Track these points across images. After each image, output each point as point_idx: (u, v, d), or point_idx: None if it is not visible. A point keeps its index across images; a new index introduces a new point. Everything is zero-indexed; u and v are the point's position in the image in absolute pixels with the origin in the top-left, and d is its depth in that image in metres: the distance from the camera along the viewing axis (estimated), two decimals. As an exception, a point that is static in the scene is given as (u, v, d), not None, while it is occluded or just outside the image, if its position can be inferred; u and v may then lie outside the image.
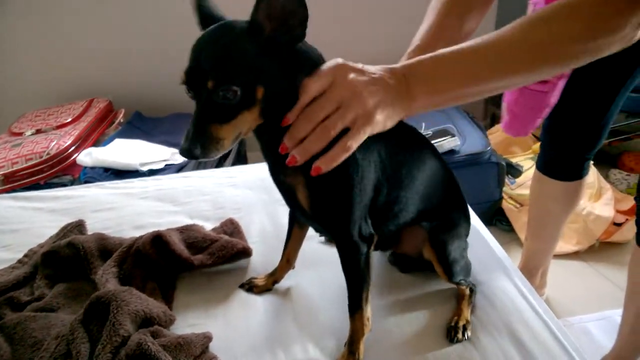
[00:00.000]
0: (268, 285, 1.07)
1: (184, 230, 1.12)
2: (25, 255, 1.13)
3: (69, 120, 2.46)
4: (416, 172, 0.90)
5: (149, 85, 2.79)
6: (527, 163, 2.43)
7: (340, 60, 0.74)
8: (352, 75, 0.72)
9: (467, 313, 0.97)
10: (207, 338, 0.88)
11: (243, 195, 1.38)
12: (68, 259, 1.07)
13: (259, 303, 1.03)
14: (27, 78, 2.78)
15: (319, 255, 1.14)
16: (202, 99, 0.68)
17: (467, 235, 1.04)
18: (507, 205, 2.37)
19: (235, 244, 1.09)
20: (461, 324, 0.94)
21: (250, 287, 1.07)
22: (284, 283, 1.07)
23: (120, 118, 2.63)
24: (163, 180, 1.48)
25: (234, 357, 0.90)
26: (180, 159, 2.23)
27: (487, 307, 1.01)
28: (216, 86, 0.66)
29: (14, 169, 2.16)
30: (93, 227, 1.24)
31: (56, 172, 2.24)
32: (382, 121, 0.74)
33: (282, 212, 1.30)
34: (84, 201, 1.38)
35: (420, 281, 1.07)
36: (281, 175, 0.83)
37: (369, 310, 0.88)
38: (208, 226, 1.23)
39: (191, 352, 0.81)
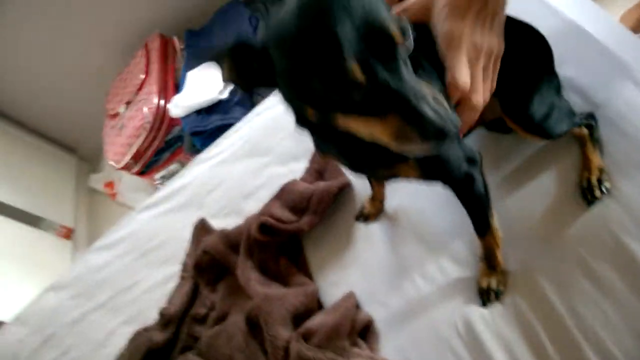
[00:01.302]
0: (379, 208, 1.05)
1: (281, 195, 1.14)
2: (184, 271, 1.29)
3: (143, 76, 2.50)
4: None
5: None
6: None
7: None
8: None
9: (596, 160, 0.83)
10: (353, 305, 0.93)
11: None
12: (211, 263, 1.19)
13: (379, 234, 1.04)
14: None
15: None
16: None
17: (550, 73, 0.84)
18: None
19: (329, 189, 1.07)
20: (594, 178, 0.81)
21: (365, 217, 1.07)
22: (390, 202, 1.04)
23: (178, 46, 2.57)
24: (241, 132, 1.46)
25: (380, 300, 0.96)
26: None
27: (616, 137, 0.84)
28: None
29: (134, 149, 2.35)
30: (213, 212, 1.34)
31: (165, 131, 2.38)
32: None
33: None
34: (196, 185, 1.47)
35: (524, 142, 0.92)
36: (381, 170, 0.73)
37: (495, 221, 0.82)
38: (302, 164, 1.22)
39: (342, 332, 0.88)
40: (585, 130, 0.84)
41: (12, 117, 2.96)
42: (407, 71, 0.51)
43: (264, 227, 1.07)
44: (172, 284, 1.31)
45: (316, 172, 1.16)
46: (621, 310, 0.72)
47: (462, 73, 0.60)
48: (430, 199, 0.99)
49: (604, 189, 0.80)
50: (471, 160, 0.73)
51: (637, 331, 0.70)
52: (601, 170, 0.82)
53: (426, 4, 0.66)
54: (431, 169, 0.71)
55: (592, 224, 0.80)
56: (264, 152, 1.34)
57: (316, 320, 0.92)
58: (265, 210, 1.11)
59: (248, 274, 1.08)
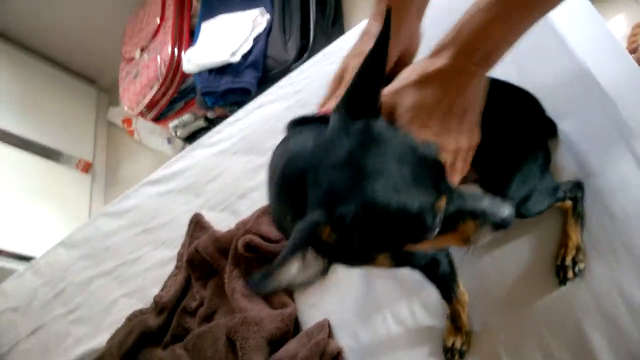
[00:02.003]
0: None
1: (269, 208, 1.16)
2: (179, 260, 1.36)
3: (158, 21, 2.44)
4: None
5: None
6: None
7: None
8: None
9: (575, 237, 0.82)
10: (325, 329, 0.99)
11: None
12: (202, 261, 1.25)
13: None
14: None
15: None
16: None
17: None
18: None
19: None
20: (569, 257, 0.81)
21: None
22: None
23: (195, -7, 2.47)
24: (241, 123, 1.46)
25: (352, 331, 1.02)
26: (264, 23, 2.08)
27: (601, 215, 0.83)
28: None
29: (148, 99, 2.36)
30: (210, 205, 1.39)
31: (179, 81, 2.37)
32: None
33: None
34: (196, 172, 1.50)
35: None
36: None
37: (461, 287, 0.84)
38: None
39: (316, 353, 0.94)
40: (568, 203, 0.82)
41: (31, 48, 2.96)
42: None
43: (249, 246, 1.11)
44: (169, 268, 1.39)
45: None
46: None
47: None
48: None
49: (577, 271, 0.81)
50: (433, 259, 0.75)
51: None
52: (578, 249, 0.82)
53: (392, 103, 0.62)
54: (402, 259, 0.72)
55: (559, 304, 0.82)
56: (262, 152, 1.34)
57: (289, 350, 0.98)
58: (254, 226, 1.14)
59: (233, 285, 1.14)
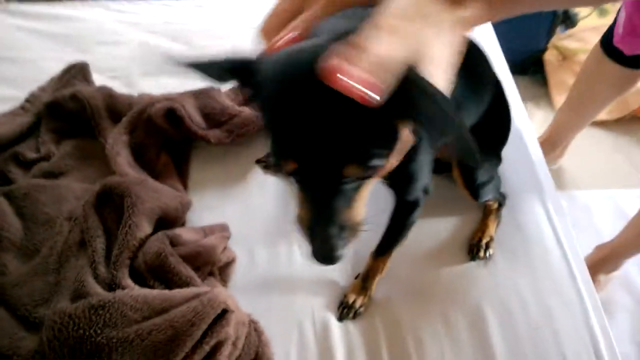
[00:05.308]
0: (286, 170, 1.01)
1: (199, 95, 1.01)
2: (27, 101, 1.03)
3: None
4: (474, 107, 0.78)
5: None
6: (584, 10, 2.13)
7: None
8: None
9: (492, 229, 0.94)
10: (226, 238, 0.86)
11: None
12: (73, 113, 0.98)
13: (275, 188, 0.99)
14: None
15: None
16: None
17: (500, 153, 0.95)
18: (548, 57, 2.16)
19: (256, 122, 0.99)
20: (484, 241, 0.93)
21: (267, 165, 1.01)
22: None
23: None
24: (173, 8, 1.28)
25: (249, 246, 0.91)
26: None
27: (513, 226, 0.97)
28: None
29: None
30: (98, 66, 1.12)
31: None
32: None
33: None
34: (87, 27, 1.22)
35: (447, 187, 1.01)
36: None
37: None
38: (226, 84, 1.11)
39: (212, 258, 0.80)
40: (495, 205, 0.96)
41: None
42: None
43: (171, 114, 0.93)
44: (4, 107, 1.04)
45: (244, 98, 1.07)
46: (457, 356, 0.81)
47: None
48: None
49: (487, 255, 0.91)
50: (426, 191, 0.76)
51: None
52: (491, 238, 0.93)
53: None
54: (397, 178, 0.69)
55: (464, 281, 0.90)
56: (191, 45, 1.19)
57: (188, 234, 0.82)
58: (177, 99, 0.97)
59: (119, 148, 0.92)
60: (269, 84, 0.43)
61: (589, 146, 2.02)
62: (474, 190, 0.89)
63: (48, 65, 1.10)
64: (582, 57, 1.99)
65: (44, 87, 1.06)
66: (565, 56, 2.14)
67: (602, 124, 2.09)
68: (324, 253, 0.48)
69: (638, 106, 2.02)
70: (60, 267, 0.78)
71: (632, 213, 1.39)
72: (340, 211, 0.47)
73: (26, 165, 0.94)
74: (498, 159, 0.94)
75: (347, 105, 0.38)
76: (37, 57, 1.14)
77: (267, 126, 0.46)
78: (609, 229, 1.58)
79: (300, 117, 0.41)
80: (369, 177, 0.46)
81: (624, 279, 1.56)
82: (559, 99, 2.03)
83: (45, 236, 0.82)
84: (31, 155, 0.95)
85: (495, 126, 0.89)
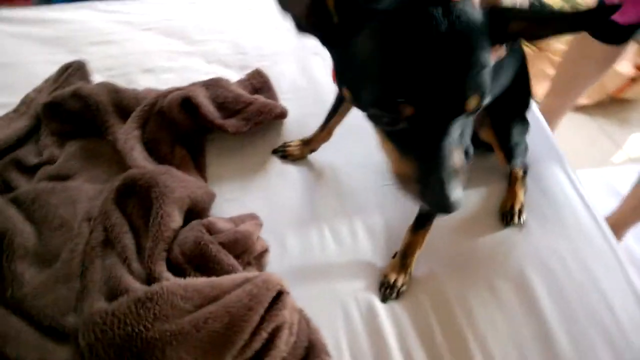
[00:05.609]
0: (303, 154, 0.98)
1: (209, 85, 0.97)
2: (23, 103, 0.97)
3: None
4: (511, 69, 0.81)
5: None
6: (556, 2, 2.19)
7: None
8: None
9: (521, 196, 0.94)
10: (259, 225, 0.81)
11: (269, 40, 1.18)
12: (75, 112, 0.92)
13: (295, 175, 0.96)
14: None
15: (357, 130, 1.03)
16: None
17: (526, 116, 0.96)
18: (524, 48, 2.21)
19: (272, 108, 0.96)
20: (517, 207, 0.92)
21: (285, 154, 0.98)
22: (319, 155, 0.98)
23: None
24: (166, 6, 1.23)
25: (278, 236, 0.87)
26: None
27: (538, 193, 0.97)
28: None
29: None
30: (94, 66, 1.07)
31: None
32: None
33: (315, 63, 1.14)
34: (77, 29, 1.16)
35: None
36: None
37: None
38: (231, 75, 1.07)
39: (250, 246, 0.75)
40: (521, 173, 0.96)
41: None
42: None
43: (186, 103, 0.89)
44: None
45: (253, 87, 1.03)
46: (509, 322, 0.79)
47: None
48: (364, 173, 0.96)
49: (521, 221, 0.91)
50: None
51: (518, 342, 0.77)
52: (522, 205, 0.93)
53: None
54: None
55: (502, 247, 0.88)
56: (189, 41, 1.15)
57: (221, 223, 0.77)
58: (190, 90, 0.92)
59: (132, 143, 0.87)
60: (380, 32, 0.45)
61: (574, 131, 2.07)
62: (509, 150, 0.90)
63: (40, 68, 1.04)
64: (559, 46, 2.05)
65: (39, 88, 0.99)
66: (540, 47, 2.19)
67: (583, 109, 2.15)
68: (444, 201, 0.47)
69: (615, 88, 2.09)
70: (85, 270, 0.72)
71: (622, 188, 1.42)
72: (452, 153, 0.47)
73: (28, 170, 0.87)
74: (526, 122, 0.94)
75: (466, 38, 0.44)
76: (28, 61, 1.08)
77: (369, 74, 0.47)
78: (603, 206, 1.61)
79: (422, 57, 0.43)
80: (478, 110, 0.47)
81: (625, 249, 1.58)
82: (539, 87, 2.08)
83: (62, 240, 0.75)
84: (33, 160, 0.89)
85: (521, 89, 0.90)
